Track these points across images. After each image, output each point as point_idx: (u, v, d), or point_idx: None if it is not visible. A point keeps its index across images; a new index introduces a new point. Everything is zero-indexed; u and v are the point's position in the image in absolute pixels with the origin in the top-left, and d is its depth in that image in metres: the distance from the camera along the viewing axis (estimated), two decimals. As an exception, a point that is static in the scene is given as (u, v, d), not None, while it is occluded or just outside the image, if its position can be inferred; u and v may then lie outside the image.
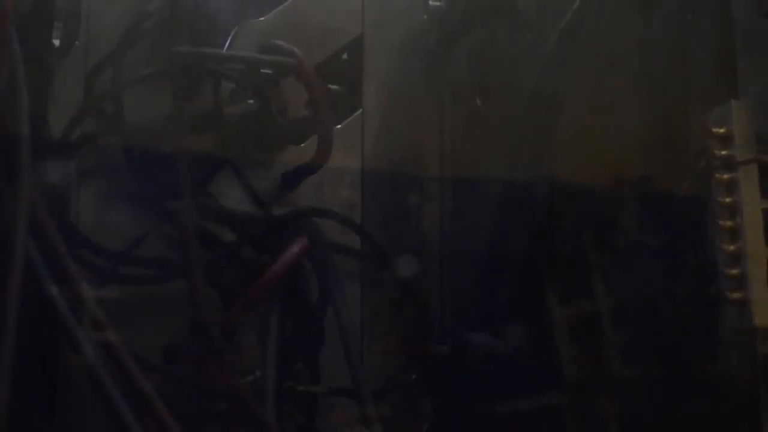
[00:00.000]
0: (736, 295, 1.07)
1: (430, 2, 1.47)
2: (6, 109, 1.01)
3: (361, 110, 1.47)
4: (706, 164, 1.11)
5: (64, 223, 1.27)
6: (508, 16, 1.38)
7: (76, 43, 1.40)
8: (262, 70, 1.30)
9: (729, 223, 1.09)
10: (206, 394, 1.25)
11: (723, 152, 1.10)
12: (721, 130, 1.11)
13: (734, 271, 1.07)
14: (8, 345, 0.94)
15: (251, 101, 1.31)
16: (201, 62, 1.24)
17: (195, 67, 1.24)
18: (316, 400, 1.31)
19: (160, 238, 1.35)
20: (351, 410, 1.28)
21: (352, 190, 1.44)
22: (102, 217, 1.33)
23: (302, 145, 1.40)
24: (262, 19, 1.43)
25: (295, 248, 1.20)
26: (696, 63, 1.21)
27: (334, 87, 1.46)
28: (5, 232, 0.97)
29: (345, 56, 1.51)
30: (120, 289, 1.30)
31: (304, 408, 1.30)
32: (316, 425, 1.31)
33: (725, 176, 1.10)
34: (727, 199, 1.10)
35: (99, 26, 1.39)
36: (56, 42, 1.70)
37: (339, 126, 1.42)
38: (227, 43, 1.33)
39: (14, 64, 1.02)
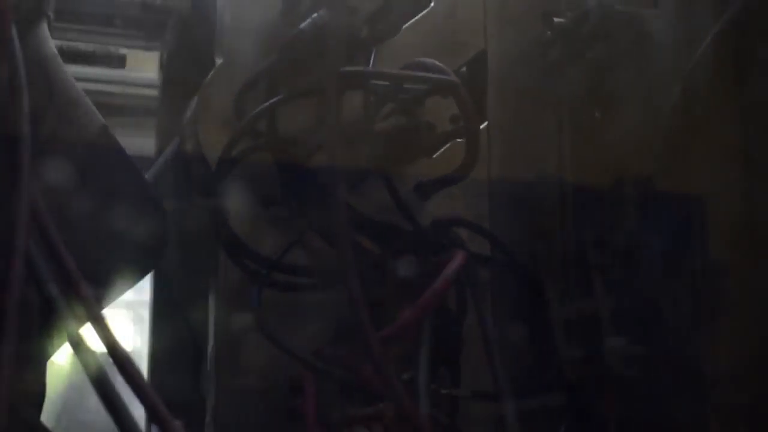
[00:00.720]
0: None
1: (555, 19, 1.51)
2: (6, 109, 1.00)
3: (486, 123, 1.52)
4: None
5: (227, 233, 1.32)
6: (636, 34, 1.42)
7: (218, 60, 1.46)
8: (407, 86, 1.35)
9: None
10: (359, 397, 1.30)
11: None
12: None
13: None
14: (8, 345, 0.92)
15: (399, 117, 1.35)
16: (367, 81, 1.28)
17: (358, 85, 1.28)
18: (458, 403, 1.37)
19: (304, 248, 1.40)
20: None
21: (480, 200, 1.50)
22: (252, 228, 1.39)
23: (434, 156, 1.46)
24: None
25: (458, 260, 1.25)
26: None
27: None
28: (5, 232, 0.96)
29: (463, 69, 1.56)
30: (273, 293, 1.36)
31: (447, 410, 1.36)
32: (458, 427, 1.36)
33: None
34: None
35: (238, 43, 1.45)
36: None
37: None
38: (371, 61, 1.38)
39: (14, 64, 1.01)
